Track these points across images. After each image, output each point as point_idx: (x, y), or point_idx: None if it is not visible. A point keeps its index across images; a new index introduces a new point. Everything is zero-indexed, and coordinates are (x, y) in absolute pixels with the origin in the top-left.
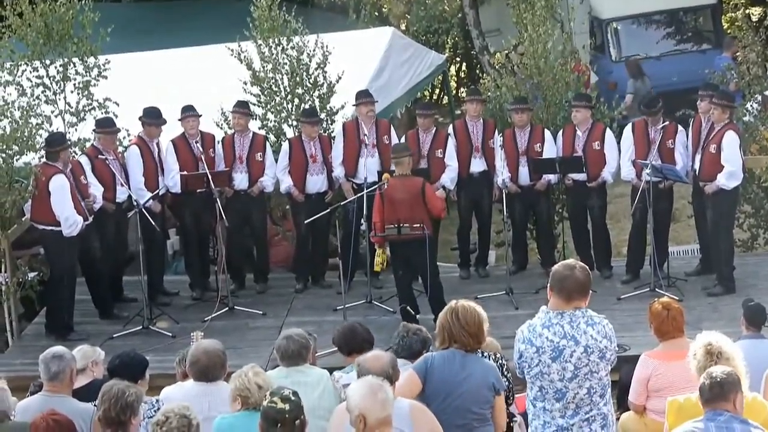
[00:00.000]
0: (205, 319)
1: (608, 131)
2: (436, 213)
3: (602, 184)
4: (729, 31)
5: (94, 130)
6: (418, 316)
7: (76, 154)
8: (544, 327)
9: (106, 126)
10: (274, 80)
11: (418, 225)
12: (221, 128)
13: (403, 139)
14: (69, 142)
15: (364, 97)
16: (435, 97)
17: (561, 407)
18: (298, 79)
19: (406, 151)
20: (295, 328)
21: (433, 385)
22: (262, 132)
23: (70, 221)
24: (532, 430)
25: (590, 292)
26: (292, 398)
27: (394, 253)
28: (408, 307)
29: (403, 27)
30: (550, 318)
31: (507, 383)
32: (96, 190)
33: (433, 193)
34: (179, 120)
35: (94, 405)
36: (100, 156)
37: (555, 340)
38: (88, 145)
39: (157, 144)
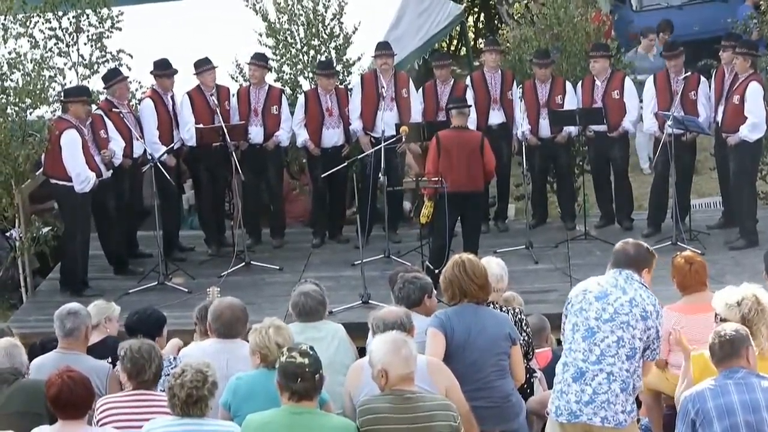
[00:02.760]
0: (222, 274)
1: (628, 80)
2: (490, 169)
3: (624, 134)
4: None
5: (104, 88)
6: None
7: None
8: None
9: (113, 77)
10: (289, 32)
11: (475, 179)
12: (236, 81)
13: (420, 92)
14: (86, 98)
15: (381, 49)
16: (453, 48)
17: (586, 348)
18: (314, 30)
19: (467, 104)
20: (308, 283)
21: (453, 341)
22: (278, 85)
23: (82, 177)
24: (557, 373)
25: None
26: (310, 352)
27: (441, 206)
28: (429, 264)
29: None
30: (607, 271)
31: (527, 338)
32: (116, 145)
33: (491, 150)
34: (195, 74)
35: (109, 362)
36: (114, 109)
37: (605, 287)
38: (101, 97)
39: (172, 97)
